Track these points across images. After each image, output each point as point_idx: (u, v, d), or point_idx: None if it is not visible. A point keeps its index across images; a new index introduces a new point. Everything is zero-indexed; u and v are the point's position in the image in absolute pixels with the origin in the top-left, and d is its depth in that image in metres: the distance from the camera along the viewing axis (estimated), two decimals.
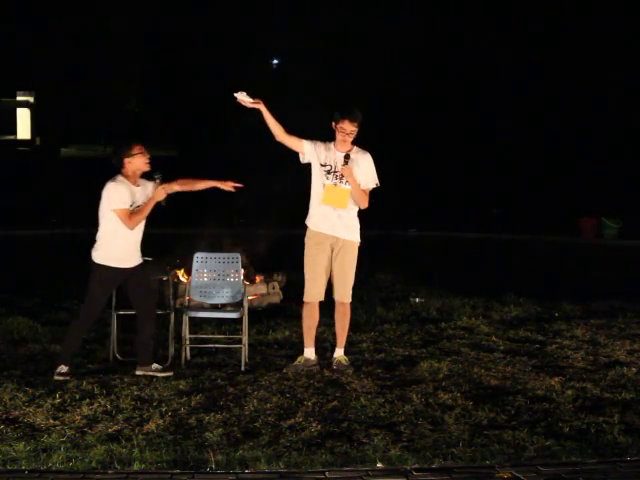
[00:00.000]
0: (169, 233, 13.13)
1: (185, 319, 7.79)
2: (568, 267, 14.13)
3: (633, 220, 18.13)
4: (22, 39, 22.05)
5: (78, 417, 6.16)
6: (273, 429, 5.99)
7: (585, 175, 21.93)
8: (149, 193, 7.21)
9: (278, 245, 11.12)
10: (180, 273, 9.65)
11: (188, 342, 7.85)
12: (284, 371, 7.39)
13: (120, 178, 7.12)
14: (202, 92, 26.53)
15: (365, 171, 7.42)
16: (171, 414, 6.24)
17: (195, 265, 8.08)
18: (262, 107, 7.28)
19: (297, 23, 23.18)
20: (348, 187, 7.37)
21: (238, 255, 8.13)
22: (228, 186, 7.42)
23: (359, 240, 7.52)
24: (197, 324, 8.69)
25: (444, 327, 9.12)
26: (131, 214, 7.06)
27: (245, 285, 8.10)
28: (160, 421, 6.09)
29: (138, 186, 7.18)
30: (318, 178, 7.43)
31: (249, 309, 8.10)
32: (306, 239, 7.53)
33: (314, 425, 6.06)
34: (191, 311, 7.93)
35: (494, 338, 8.67)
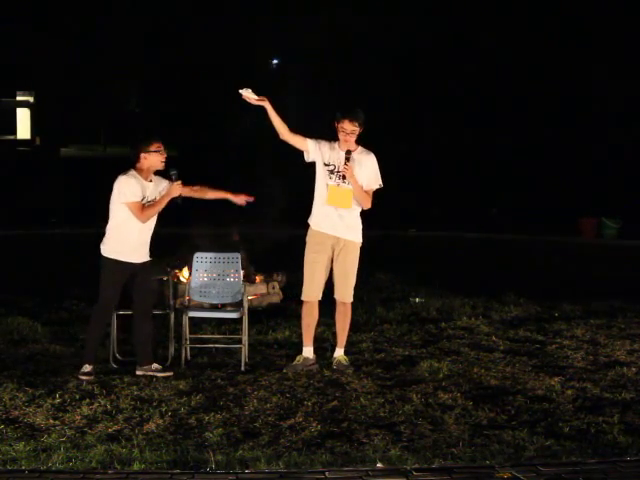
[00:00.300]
0: (169, 233, 13.11)
1: (185, 319, 7.79)
2: (568, 267, 14.13)
3: (633, 220, 18.13)
4: (22, 39, 22.05)
5: (78, 417, 6.16)
6: (273, 429, 5.99)
7: (585, 175, 21.93)
8: (162, 190, 7.20)
9: (278, 245, 11.13)
10: (180, 273, 9.65)
11: (188, 342, 7.84)
12: (284, 371, 7.39)
13: (132, 172, 7.11)
14: (202, 92, 26.54)
15: (368, 171, 7.41)
16: (171, 414, 6.24)
17: (195, 265, 8.08)
18: (267, 105, 7.27)
19: (297, 23, 23.19)
20: (351, 187, 7.37)
21: (238, 255, 8.13)
22: (241, 200, 7.43)
23: (361, 240, 7.51)
24: (197, 324, 8.68)
25: (444, 327, 9.12)
26: (144, 208, 7.05)
27: (245, 285, 8.09)
28: (160, 421, 6.09)
29: (150, 182, 7.18)
30: (321, 177, 7.43)
31: (249, 309, 8.10)
32: (307, 238, 7.53)
33: (314, 425, 6.06)
34: (191, 311, 7.93)
35: (494, 338, 8.67)
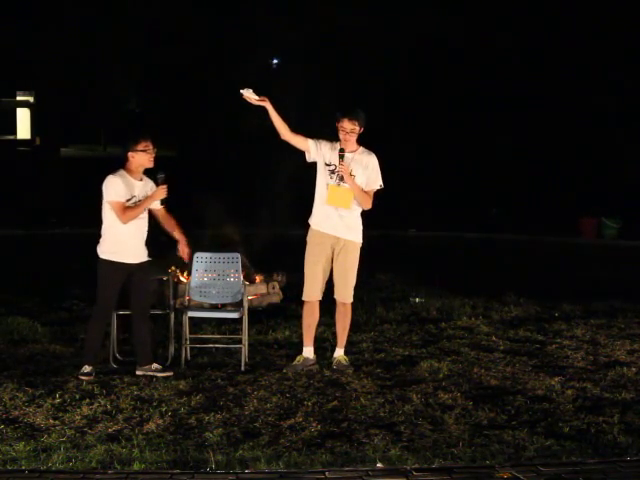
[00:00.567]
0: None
1: (185, 319, 7.79)
2: (568, 267, 14.13)
3: (633, 220, 18.13)
4: (22, 39, 22.04)
5: (78, 417, 6.16)
6: (273, 429, 5.99)
7: (585, 175, 21.93)
8: (149, 190, 7.21)
9: (278, 245, 11.13)
10: (180, 273, 9.65)
11: (188, 342, 7.85)
12: (284, 371, 7.39)
13: (121, 172, 7.13)
14: (202, 92, 26.53)
15: (369, 171, 7.41)
16: (171, 414, 6.24)
17: (195, 265, 8.08)
18: (268, 105, 7.27)
19: (297, 23, 23.18)
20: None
21: (238, 255, 8.13)
22: (182, 252, 7.43)
23: (361, 241, 7.51)
24: (197, 324, 8.68)
25: (444, 327, 9.12)
26: (126, 209, 7.05)
27: (245, 285, 8.10)
28: (160, 421, 6.09)
29: (140, 180, 7.19)
30: (322, 178, 7.44)
31: (249, 309, 8.10)
32: (308, 238, 7.54)
33: (314, 425, 6.06)
34: (191, 311, 7.93)
35: (494, 338, 8.67)
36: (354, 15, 23.33)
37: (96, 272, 7.24)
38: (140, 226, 7.20)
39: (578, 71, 22.96)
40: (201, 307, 8.52)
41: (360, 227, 7.51)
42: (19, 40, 22.03)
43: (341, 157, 7.32)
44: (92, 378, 7.04)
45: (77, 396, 6.60)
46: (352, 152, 7.42)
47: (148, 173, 7.34)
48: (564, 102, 23.29)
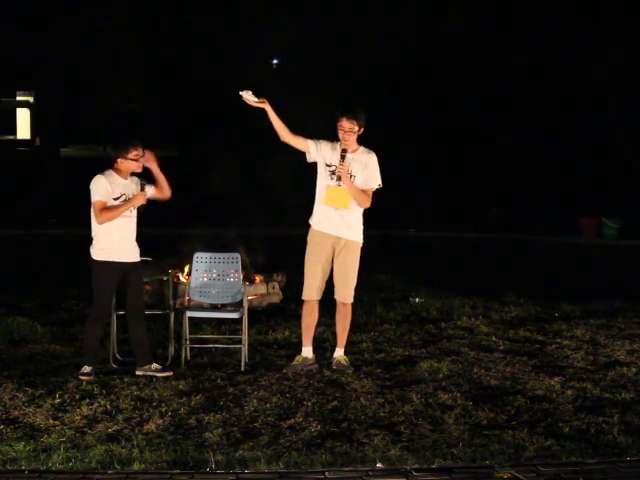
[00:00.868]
0: (169, 233, 13.14)
1: (185, 319, 7.79)
2: (568, 267, 14.13)
3: (633, 220, 18.13)
4: (22, 39, 22.03)
5: (78, 417, 6.16)
6: (273, 429, 5.99)
7: (585, 175, 21.92)
8: (134, 190, 7.23)
9: (278, 245, 11.13)
10: (180, 273, 9.65)
11: (188, 342, 7.84)
12: (283, 371, 7.39)
13: (108, 172, 7.17)
14: (202, 92, 26.52)
15: (368, 170, 7.41)
16: (171, 414, 6.24)
17: (195, 265, 8.08)
18: (267, 107, 7.27)
19: (297, 23, 23.18)
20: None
21: (238, 255, 8.13)
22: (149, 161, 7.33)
23: (361, 241, 7.51)
24: (197, 324, 8.68)
25: (444, 327, 9.12)
26: (103, 210, 7.07)
27: (245, 285, 8.10)
28: (160, 421, 6.09)
29: (126, 179, 7.23)
30: (322, 178, 7.44)
31: (249, 309, 8.10)
32: (308, 238, 7.55)
33: (314, 425, 6.06)
34: (191, 311, 7.93)
35: (494, 338, 8.67)
36: (354, 15, 23.34)
37: (90, 275, 7.25)
38: (130, 224, 7.22)
39: (578, 71, 22.95)
40: (201, 307, 8.52)
41: (361, 227, 7.51)
42: (19, 40, 22.02)
43: (342, 157, 7.32)
44: (92, 378, 7.04)
45: (77, 396, 6.60)
46: (353, 152, 7.42)
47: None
48: (564, 102, 23.29)
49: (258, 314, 9.44)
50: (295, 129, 7.42)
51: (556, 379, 7.21)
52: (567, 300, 10.45)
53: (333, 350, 7.73)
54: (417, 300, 10.45)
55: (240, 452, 5.52)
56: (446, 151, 24.38)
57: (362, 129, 7.40)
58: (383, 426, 6.06)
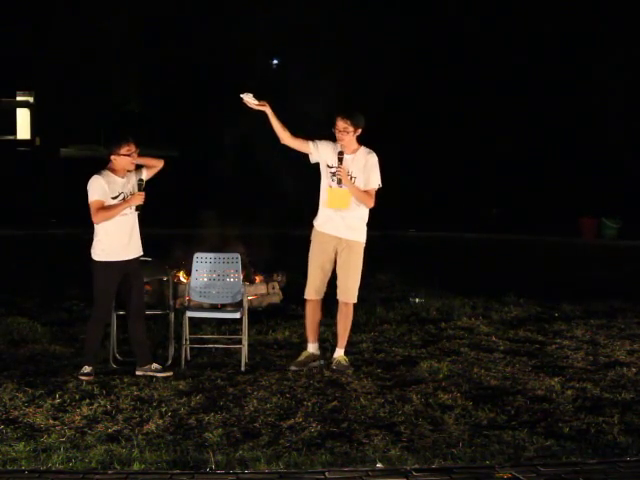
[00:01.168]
0: (169, 233, 13.14)
1: (185, 319, 7.79)
2: (568, 267, 14.13)
3: (633, 220, 18.13)
4: (22, 39, 22.04)
5: (78, 417, 6.16)
6: (273, 429, 5.99)
7: (585, 175, 21.92)
8: (131, 189, 7.22)
9: (278, 245, 11.12)
10: (180, 273, 9.65)
11: (188, 342, 7.84)
12: (290, 368, 7.41)
13: (104, 172, 7.18)
14: (202, 92, 26.52)
15: (369, 171, 7.41)
16: (171, 414, 6.24)
17: (195, 265, 8.07)
18: (267, 109, 7.29)
19: (297, 23, 23.18)
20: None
21: (238, 255, 8.13)
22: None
23: (364, 241, 7.52)
24: (197, 324, 8.68)
25: (444, 327, 9.12)
26: (100, 209, 7.07)
27: (245, 285, 8.10)
28: (160, 421, 6.09)
29: (123, 178, 7.22)
30: (325, 179, 7.47)
31: (249, 309, 8.11)
32: (311, 238, 7.59)
33: (314, 425, 6.06)
34: (191, 311, 7.93)
35: (494, 338, 8.67)
36: (353, 15, 23.34)
37: (91, 276, 7.25)
38: (128, 222, 7.21)
39: (578, 71, 22.96)
40: (201, 307, 8.52)
41: (363, 227, 7.52)
42: (19, 40, 22.02)
43: (340, 160, 7.33)
44: (92, 378, 7.04)
45: (77, 396, 6.60)
46: (352, 153, 7.44)
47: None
48: (564, 102, 23.29)
49: (258, 314, 9.44)
50: (295, 130, 7.42)
51: (556, 379, 7.21)
52: (567, 300, 10.45)
53: (333, 350, 7.73)
54: (417, 300, 10.45)
55: (240, 452, 5.52)
56: (446, 151, 24.37)
57: (359, 129, 7.40)
58: (383, 426, 6.06)
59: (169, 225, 15.07)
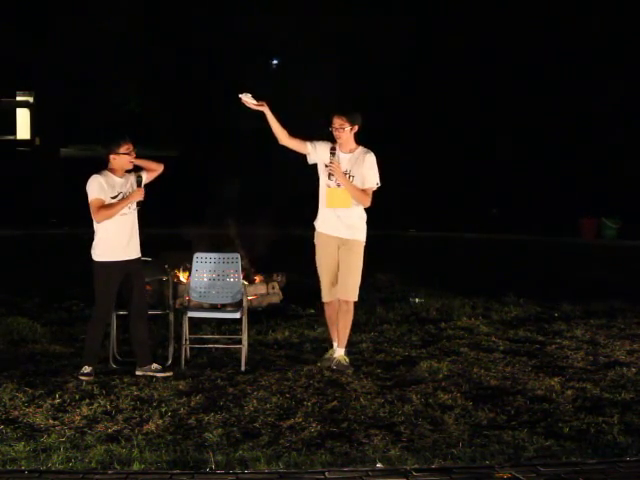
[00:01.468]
0: (169, 233, 13.12)
1: (185, 319, 7.79)
2: (568, 267, 14.12)
3: (633, 220, 18.12)
4: (22, 39, 22.03)
5: (78, 417, 6.16)
6: (273, 429, 5.99)
7: (585, 175, 21.91)
8: (130, 188, 7.23)
9: (278, 245, 11.12)
10: (180, 273, 9.65)
11: (188, 342, 7.84)
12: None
13: (104, 172, 7.20)
14: (202, 92, 26.53)
15: (367, 170, 7.42)
16: (171, 414, 6.24)
17: (194, 265, 8.07)
18: (266, 110, 7.30)
19: (297, 23, 23.18)
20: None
21: (238, 255, 8.13)
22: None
23: (364, 239, 7.53)
24: (197, 324, 8.68)
25: (444, 327, 9.12)
26: (100, 208, 7.08)
27: (245, 285, 8.09)
28: (160, 421, 6.09)
29: (122, 177, 7.23)
30: (323, 179, 7.48)
31: (249, 309, 8.10)
32: (314, 240, 7.63)
33: (314, 425, 6.06)
34: (191, 311, 7.93)
35: (494, 338, 8.67)
36: (354, 15, 23.35)
37: (91, 276, 7.25)
38: (128, 222, 7.22)
39: (578, 71, 22.95)
40: (201, 307, 8.52)
41: (362, 226, 7.53)
42: (19, 40, 22.01)
43: (332, 154, 7.36)
44: (92, 378, 7.05)
45: (77, 396, 6.60)
46: (350, 152, 7.45)
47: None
48: (564, 102, 23.28)
49: (258, 314, 9.44)
50: (294, 131, 7.43)
51: (556, 379, 7.21)
52: (567, 300, 10.45)
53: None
54: (417, 300, 10.45)
55: (240, 452, 5.52)
56: (446, 151, 24.37)
57: (355, 126, 7.42)
58: (383, 426, 6.06)
59: (169, 225, 15.07)
